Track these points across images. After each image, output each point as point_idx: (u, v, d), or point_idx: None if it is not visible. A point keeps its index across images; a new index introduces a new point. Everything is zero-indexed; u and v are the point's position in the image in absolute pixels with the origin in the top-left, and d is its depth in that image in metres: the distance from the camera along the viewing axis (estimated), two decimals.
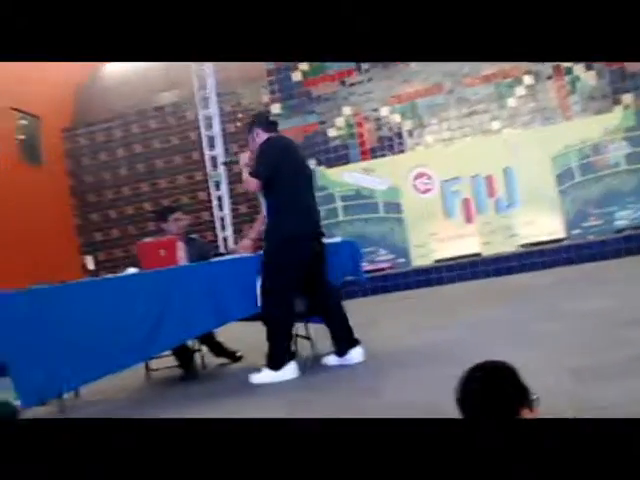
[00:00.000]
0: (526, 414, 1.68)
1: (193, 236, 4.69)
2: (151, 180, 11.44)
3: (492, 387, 1.73)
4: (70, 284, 4.24)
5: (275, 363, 3.74)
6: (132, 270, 4.27)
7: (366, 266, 7.01)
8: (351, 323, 3.98)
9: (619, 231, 7.85)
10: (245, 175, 3.90)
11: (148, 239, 4.84)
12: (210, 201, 10.64)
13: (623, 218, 8.07)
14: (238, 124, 10.65)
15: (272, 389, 3.63)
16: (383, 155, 9.15)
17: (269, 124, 4.00)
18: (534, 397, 1.74)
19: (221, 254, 4.83)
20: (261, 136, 3.91)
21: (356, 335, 3.94)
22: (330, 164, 9.22)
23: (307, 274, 3.81)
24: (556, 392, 2.49)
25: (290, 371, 3.74)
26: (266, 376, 3.73)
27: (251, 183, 3.81)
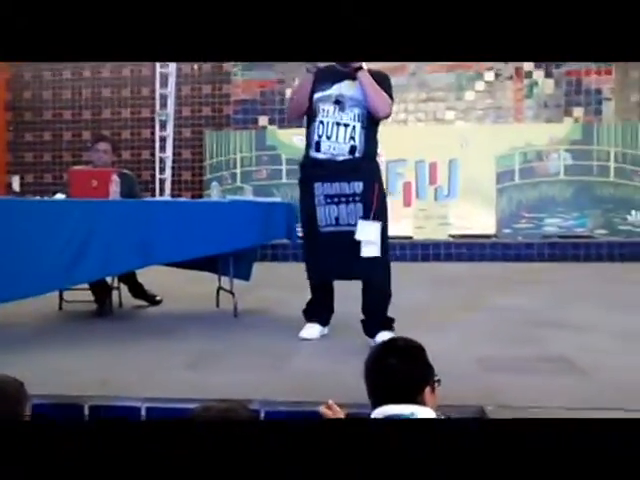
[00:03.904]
0: (428, 393, 1.73)
1: (125, 171, 4.56)
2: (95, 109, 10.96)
3: (405, 362, 1.76)
4: None
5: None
6: (60, 196, 4.14)
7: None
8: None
9: (546, 237, 8.16)
10: None
11: (82, 167, 4.68)
12: (153, 140, 10.33)
13: (551, 225, 8.39)
14: (195, 67, 10.28)
15: (187, 334, 3.63)
16: None
17: None
18: (437, 378, 1.80)
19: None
20: None
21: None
22: (282, 125, 9.10)
23: None
24: (460, 377, 2.60)
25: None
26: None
27: (386, 104, 3.53)
